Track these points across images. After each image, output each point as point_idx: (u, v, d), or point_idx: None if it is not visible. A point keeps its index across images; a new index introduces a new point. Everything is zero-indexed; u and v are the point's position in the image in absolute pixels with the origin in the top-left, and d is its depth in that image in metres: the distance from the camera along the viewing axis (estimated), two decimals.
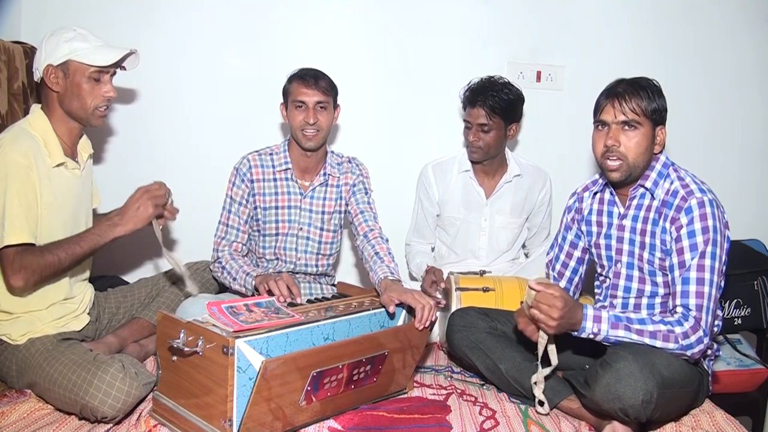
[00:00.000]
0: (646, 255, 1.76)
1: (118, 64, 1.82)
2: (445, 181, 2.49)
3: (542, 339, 1.65)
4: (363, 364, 1.64)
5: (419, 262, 2.50)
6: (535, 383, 1.73)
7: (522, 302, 1.70)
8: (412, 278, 2.63)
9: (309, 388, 1.54)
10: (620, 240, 1.82)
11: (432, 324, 1.74)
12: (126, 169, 2.54)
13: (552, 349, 1.68)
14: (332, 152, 2.23)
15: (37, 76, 1.78)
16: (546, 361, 1.70)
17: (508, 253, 2.53)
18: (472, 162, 2.45)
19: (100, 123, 1.84)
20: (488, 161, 2.43)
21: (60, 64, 1.73)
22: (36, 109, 1.80)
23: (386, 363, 1.71)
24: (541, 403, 1.73)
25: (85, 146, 1.90)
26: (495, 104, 2.30)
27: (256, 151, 2.18)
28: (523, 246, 2.64)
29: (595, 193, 1.91)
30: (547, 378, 1.73)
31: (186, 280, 1.91)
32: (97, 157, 2.02)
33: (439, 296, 2.25)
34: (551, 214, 2.59)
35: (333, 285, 2.30)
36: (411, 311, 1.82)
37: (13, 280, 1.63)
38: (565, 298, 1.57)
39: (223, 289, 2.21)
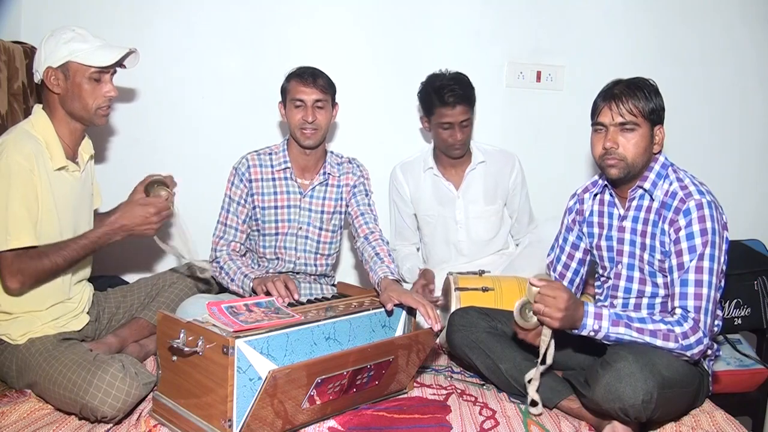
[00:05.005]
0: (646, 256, 1.76)
1: (118, 64, 1.82)
2: (414, 179, 2.50)
3: (545, 337, 1.63)
4: (367, 370, 1.64)
5: (410, 267, 2.49)
6: (530, 381, 1.70)
7: (516, 306, 1.67)
8: (405, 282, 2.62)
9: (312, 393, 1.54)
10: (621, 241, 1.82)
11: (440, 329, 1.72)
12: (125, 168, 2.54)
13: (550, 347, 1.67)
14: (332, 152, 2.23)
15: (38, 78, 1.77)
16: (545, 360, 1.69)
17: (492, 244, 2.52)
18: (453, 158, 2.43)
19: (103, 122, 1.84)
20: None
21: (60, 65, 1.73)
22: (38, 110, 1.80)
23: (390, 367, 1.71)
24: (534, 404, 1.70)
25: (86, 147, 1.90)
26: (469, 95, 2.31)
27: (255, 151, 2.18)
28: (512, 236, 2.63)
29: (595, 195, 1.90)
30: (542, 376, 1.71)
31: (193, 263, 1.98)
32: (96, 157, 2.02)
33: (437, 295, 2.25)
34: (528, 196, 2.57)
35: (333, 285, 2.30)
36: (411, 312, 1.82)
37: (10, 283, 1.64)
38: (568, 291, 1.58)
39: (223, 289, 2.21)
